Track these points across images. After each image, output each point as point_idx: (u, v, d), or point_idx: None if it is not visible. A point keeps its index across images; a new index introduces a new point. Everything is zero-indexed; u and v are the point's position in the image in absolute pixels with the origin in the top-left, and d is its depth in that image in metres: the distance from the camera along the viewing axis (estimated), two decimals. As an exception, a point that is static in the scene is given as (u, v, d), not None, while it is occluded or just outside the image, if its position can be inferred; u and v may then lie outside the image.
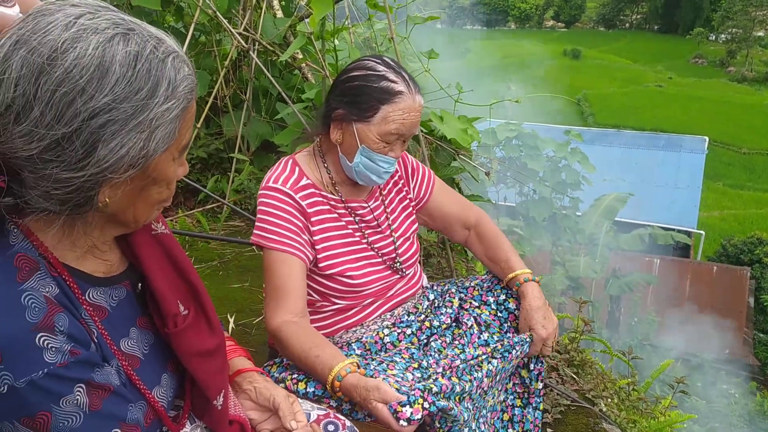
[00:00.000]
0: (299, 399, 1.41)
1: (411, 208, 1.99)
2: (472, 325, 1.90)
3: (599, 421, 2.26)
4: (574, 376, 2.51)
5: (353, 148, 1.72)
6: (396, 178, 1.98)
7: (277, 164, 1.82)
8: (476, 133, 3.85)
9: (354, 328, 1.84)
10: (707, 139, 23.95)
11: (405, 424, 1.41)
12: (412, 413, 1.41)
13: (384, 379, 1.61)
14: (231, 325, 2.65)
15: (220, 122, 4.21)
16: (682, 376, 2.82)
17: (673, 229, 16.28)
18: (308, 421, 1.33)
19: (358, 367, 1.55)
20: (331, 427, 1.33)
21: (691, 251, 19.21)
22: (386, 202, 1.93)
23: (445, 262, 3.48)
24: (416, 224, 2.00)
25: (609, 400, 2.45)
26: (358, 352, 1.78)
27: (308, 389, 1.59)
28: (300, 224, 1.72)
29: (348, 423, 1.36)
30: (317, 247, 1.75)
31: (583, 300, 2.68)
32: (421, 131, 3.67)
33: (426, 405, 1.44)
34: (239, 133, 3.84)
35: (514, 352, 1.75)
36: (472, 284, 2.02)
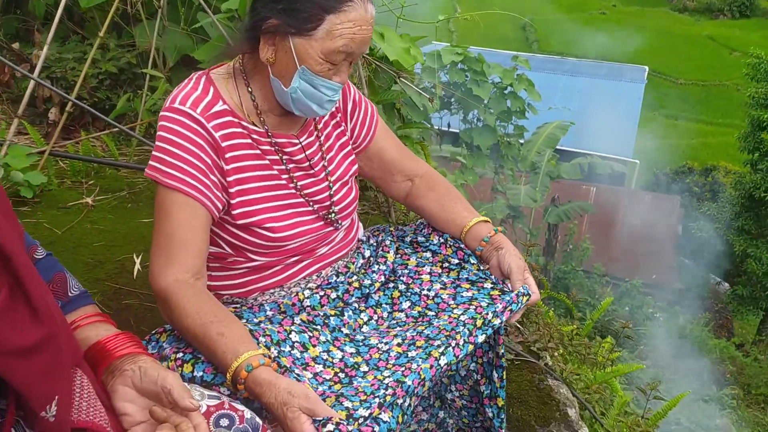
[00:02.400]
0: (193, 384, 1.13)
1: (350, 147, 1.67)
2: (416, 277, 1.64)
3: (544, 377, 2.08)
4: (519, 326, 2.31)
5: (289, 69, 1.38)
6: (333, 109, 1.64)
7: (187, 80, 1.45)
8: (419, 54, 3.52)
9: (272, 290, 1.54)
10: (647, 68, 24.10)
11: None
12: None
13: (299, 377, 1.33)
14: (137, 266, 2.32)
15: (133, 32, 3.73)
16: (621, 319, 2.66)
17: (611, 158, 16.47)
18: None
19: (273, 361, 1.26)
20: (224, 422, 1.06)
21: (626, 180, 19.58)
22: (322, 138, 1.59)
23: (382, 195, 3.20)
24: (356, 165, 1.68)
25: (555, 352, 2.27)
26: (270, 313, 1.49)
27: (195, 373, 1.29)
28: (208, 161, 1.38)
29: (248, 415, 1.09)
30: (231, 190, 1.42)
31: (531, 243, 2.45)
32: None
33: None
34: (153, 45, 3.39)
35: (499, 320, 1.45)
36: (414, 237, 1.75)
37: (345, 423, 1.18)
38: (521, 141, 10.14)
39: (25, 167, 2.80)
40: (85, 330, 1.05)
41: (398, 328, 1.53)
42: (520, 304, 1.48)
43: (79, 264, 2.39)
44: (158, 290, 1.34)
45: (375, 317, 1.57)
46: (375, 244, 1.75)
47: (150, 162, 1.38)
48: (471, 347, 1.41)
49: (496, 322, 1.45)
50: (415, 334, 1.49)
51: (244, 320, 1.45)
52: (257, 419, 1.10)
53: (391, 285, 1.64)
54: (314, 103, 1.42)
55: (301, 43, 1.35)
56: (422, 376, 1.33)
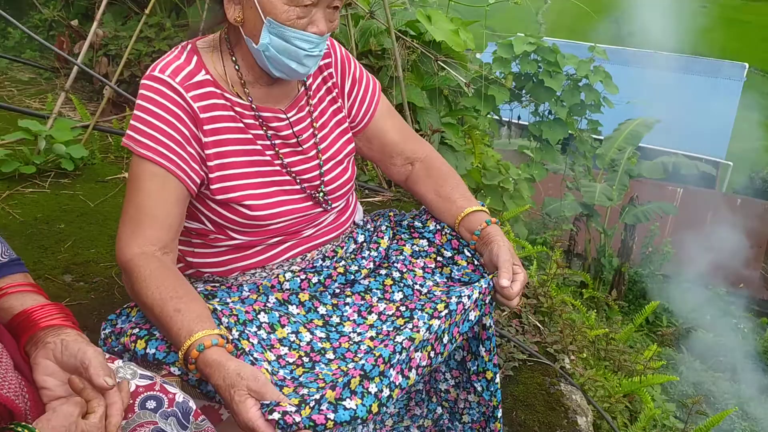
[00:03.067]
0: (129, 362, 1.10)
1: (346, 124, 1.60)
2: (409, 265, 1.55)
3: (557, 381, 1.95)
4: (539, 325, 2.18)
5: (257, 25, 1.31)
6: (330, 84, 1.56)
7: (171, 50, 1.41)
8: (470, 39, 3.39)
9: (253, 270, 1.49)
10: (747, 66, 22.71)
11: None
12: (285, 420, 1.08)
13: (256, 361, 1.28)
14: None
15: (188, 13, 3.78)
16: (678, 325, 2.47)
17: (700, 159, 15.63)
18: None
19: (228, 342, 1.21)
20: (151, 404, 1.01)
21: (717, 182, 18.58)
22: (315, 114, 1.52)
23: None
24: (352, 144, 1.60)
25: (575, 355, 2.13)
26: (246, 294, 1.44)
27: (148, 350, 1.25)
28: (186, 132, 1.33)
29: (179, 398, 1.04)
30: (209, 163, 1.37)
31: (557, 239, 2.30)
32: (404, 35, 3.22)
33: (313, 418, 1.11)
34: (202, 24, 3.41)
35: (472, 295, 1.37)
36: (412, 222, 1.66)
37: (293, 411, 1.11)
38: (598, 137, 9.74)
39: (69, 140, 2.88)
40: (12, 298, 1.03)
41: (377, 315, 1.45)
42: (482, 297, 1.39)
43: (104, 236, 2.44)
44: (122, 261, 1.31)
45: (362, 302, 1.49)
46: (371, 229, 1.67)
47: (127, 130, 1.35)
48: (435, 321, 1.32)
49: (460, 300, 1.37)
50: (391, 329, 1.41)
51: (217, 299, 1.41)
52: (190, 404, 1.06)
53: (383, 272, 1.56)
54: (291, 60, 1.33)
55: None
56: (376, 355, 1.24)
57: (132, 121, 1.34)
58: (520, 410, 1.85)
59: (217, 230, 1.44)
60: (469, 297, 1.37)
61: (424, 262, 1.57)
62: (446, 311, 1.34)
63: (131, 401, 1.00)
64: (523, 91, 7.51)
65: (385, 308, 1.47)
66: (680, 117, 17.95)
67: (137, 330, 1.29)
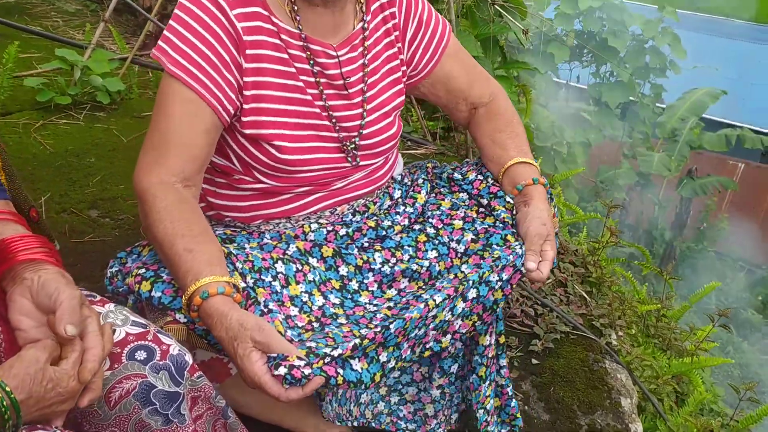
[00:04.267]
0: (122, 307, 0.98)
1: (400, 73, 1.42)
2: (446, 221, 1.40)
3: (601, 358, 1.79)
4: (585, 296, 2.01)
5: None
6: (390, 25, 1.39)
7: None
8: (533, -14, 3.15)
9: (278, 220, 1.36)
10: (826, 38, 21.40)
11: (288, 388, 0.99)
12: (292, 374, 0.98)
13: (271, 313, 1.15)
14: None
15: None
16: (726, 308, 2.28)
17: (766, 134, 14.88)
18: (115, 338, 0.90)
19: (238, 291, 1.09)
20: (141, 355, 0.90)
21: (783, 159, 17.73)
22: (368, 56, 1.35)
23: (461, 136, 2.93)
24: (402, 98, 1.44)
25: (623, 331, 1.96)
26: (267, 241, 1.31)
27: (154, 293, 1.13)
28: (225, 56, 1.19)
29: (174, 351, 0.93)
30: (246, 93, 1.22)
31: (613, 204, 2.11)
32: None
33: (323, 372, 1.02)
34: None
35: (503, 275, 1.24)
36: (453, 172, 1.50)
37: (302, 365, 0.99)
38: (661, 105, 9.29)
39: (106, 72, 2.79)
40: None
41: (397, 291, 1.32)
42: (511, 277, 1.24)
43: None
44: (139, 190, 1.18)
45: (393, 260, 1.35)
46: (409, 183, 1.52)
47: (159, 41, 1.20)
48: (461, 302, 1.19)
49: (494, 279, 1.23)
50: (411, 299, 1.27)
51: (234, 243, 1.29)
52: (186, 357, 0.94)
53: (417, 227, 1.41)
54: None
55: None
56: (407, 325, 1.12)
57: (166, 32, 1.20)
58: (559, 386, 1.70)
59: (244, 170, 1.30)
60: (500, 279, 1.23)
61: (465, 213, 1.41)
62: (474, 295, 1.22)
63: (119, 350, 0.89)
64: (585, 51, 7.16)
65: (406, 286, 1.32)
66: (749, 88, 17.08)
67: (143, 270, 1.17)
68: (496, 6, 2.87)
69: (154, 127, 1.20)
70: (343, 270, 1.31)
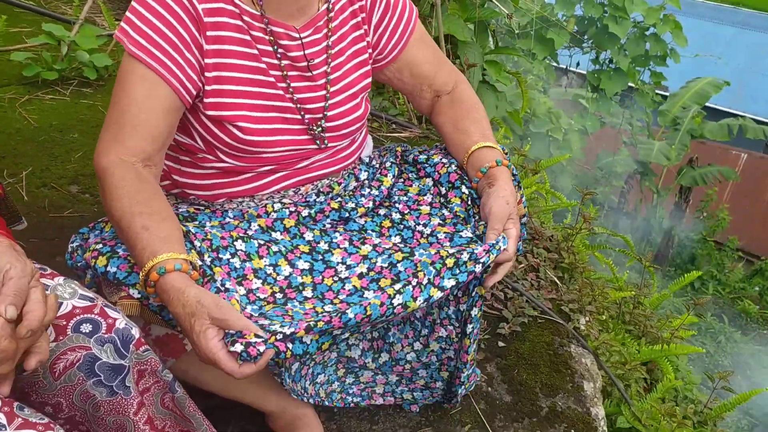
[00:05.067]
0: (71, 280, 1.00)
1: (366, 55, 1.43)
2: (413, 206, 1.42)
3: (567, 342, 1.82)
4: (557, 281, 2.03)
5: None
6: (356, 7, 1.39)
7: None
8: (523, -29, 3.14)
9: (241, 198, 1.38)
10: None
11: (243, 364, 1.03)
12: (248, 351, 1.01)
13: (227, 292, 1.17)
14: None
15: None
16: (701, 296, 2.29)
17: (769, 124, 14.80)
18: (60, 311, 0.93)
19: (195, 269, 1.11)
20: (86, 327, 0.92)
21: (786, 151, 17.64)
22: (333, 38, 1.36)
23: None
24: (368, 79, 1.45)
25: (595, 316, 1.98)
26: (229, 220, 1.33)
27: (109, 268, 1.15)
28: (186, 36, 1.20)
29: (120, 325, 0.95)
30: (207, 74, 1.24)
31: (587, 191, 2.13)
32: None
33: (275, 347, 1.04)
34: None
35: (477, 267, 1.22)
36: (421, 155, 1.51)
37: (258, 341, 1.02)
38: (662, 92, 9.25)
39: (93, 48, 2.79)
40: None
41: (372, 247, 1.33)
42: (488, 258, 1.23)
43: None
44: (99, 169, 1.19)
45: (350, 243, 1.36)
46: (376, 165, 1.53)
47: (121, 23, 1.22)
48: (436, 292, 1.19)
49: (474, 267, 1.22)
50: (386, 265, 1.29)
51: (196, 222, 1.31)
52: (132, 331, 0.96)
53: (382, 212, 1.43)
54: None
55: None
56: (368, 312, 1.13)
57: (128, 13, 1.21)
58: (522, 369, 1.73)
59: (207, 149, 1.32)
60: (483, 264, 1.23)
61: (432, 199, 1.43)
62: (453, 283, 1.20)
63: (64, 323, 0.92)
64: (585, 37, 7.12)
65: (380, 241, 1.34)
66: (753, 78, 16.96)
67: (101, 246, 1.19)
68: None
69: (114, 107, 1.22)
70: (308, 236, 1.33)
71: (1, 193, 1.31)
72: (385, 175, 1.48)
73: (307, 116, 1.34)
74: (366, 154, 1.56)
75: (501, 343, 1.79)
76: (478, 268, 1.22)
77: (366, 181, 1.49)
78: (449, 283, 1.20)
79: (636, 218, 11.98)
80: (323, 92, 1.36)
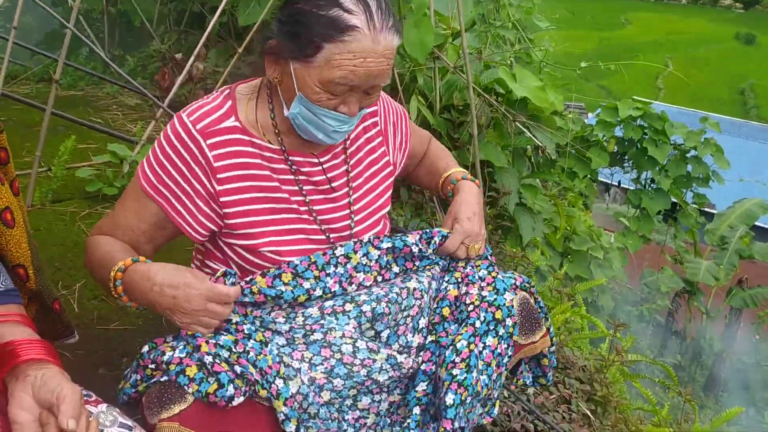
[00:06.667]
0: (113, 408, 1.07)
1: (389, 170, 1.57)
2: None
3: None
4: (590, 415, 2.00)
5: (291, 93, 1.31)
6: (373, 132, 1.54)
7: (214, 93, 1.43)
8: (559, 101, 3.29)
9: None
10: None
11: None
12: None
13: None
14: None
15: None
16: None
17: (822, 247, 14.41)
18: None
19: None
20: None
21: (841, 273, 17.04)
22: (351, 162, 1.49)
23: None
24: (389, 194, 1.57)
25: None
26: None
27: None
28: (196, 185, 1.34)
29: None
30: (226, 211, 1.35)
31: (619, 323, 2.13)
32: (490, 92, 3.16)
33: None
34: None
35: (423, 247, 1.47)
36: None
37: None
38: (711, 210, 9.19)
39: (152, 167, 2.99)
40: (2, 327, 1.04)
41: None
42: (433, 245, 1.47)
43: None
44: (86, 243, 1.40)
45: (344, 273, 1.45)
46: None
47: (143, 159, 1.38)
48: (373, 250, 1.41)
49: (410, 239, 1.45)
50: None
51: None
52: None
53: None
54: (319, 131, 1.33)
55: (300, 69, 1.27)
56: (312, 260, 1.36)
57: (149, 152, 1.38)
58: None
59: (243, 274, 1.41)
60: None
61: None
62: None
63: (102, 448, 0.98)
64: (626, 157, 7.22)
65: (364, 279, 1.42)
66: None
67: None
68: (517, 123, 3.00)
69: (117, 214, 1.40)
70: (306, 284, 1.39)
71: (58, 309, 1.42)
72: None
73: (332, 236, 1.44)
74: None
75: (530, 478, 1.76)
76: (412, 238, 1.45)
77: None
78: (386, 244, 1.42)
79: (685, 339, 11.60)
80: (347, 211, 1.47)
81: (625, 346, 2.19)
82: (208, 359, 1.20)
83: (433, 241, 1.47)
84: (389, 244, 1.42)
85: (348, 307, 1.37)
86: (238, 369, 1.21)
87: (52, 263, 2.35)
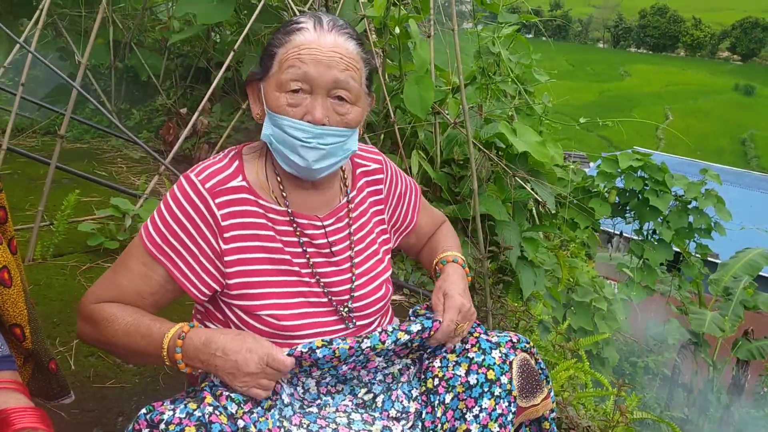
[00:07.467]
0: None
1: (388, 235, 1.58)
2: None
3: None
4: None
5: (264, 117, 1.38)
6: (375, 199, 1.55)
7: (221, 153, 1.45)
8: (559, 155, 3.32)
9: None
10: None
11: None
12: None
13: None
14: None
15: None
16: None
17: (828, 297, 14.29)
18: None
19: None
20: None
21: None
22: (354, 226, 1.49)
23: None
24: (389, 257, 1.57)
25: None
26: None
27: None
28: (203, 244, 1.33)
29: None
30: (228, 270, 1.35)
31: (623, 383, 2.10)
32: (490, 147, 3.20)
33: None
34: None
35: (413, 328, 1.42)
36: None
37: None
38: (711, 259, 9.17)
39: (154, 220, 3.00)
40: None
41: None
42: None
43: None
44: (86, 313, 1.35)
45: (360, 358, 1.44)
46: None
47: (147, 220, 1.37)
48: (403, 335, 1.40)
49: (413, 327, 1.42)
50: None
51: None
52: None
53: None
54: (288, 150, 1.33)
55: (265, 85, 1.35)
56: (336, 354, 1.33)
57: (154, 213, 1.37)
58: None
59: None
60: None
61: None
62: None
63: None
64: (627, 208, 7.25)
65: (379, 362, 1.46)
66: (808, 249, 16.64)
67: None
68: (517, 178, 3.02)
69: (114, 275, 1.36)
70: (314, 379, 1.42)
71: (54, 369, 1.40)
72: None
73: (334, 299, 1.43)
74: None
75: None
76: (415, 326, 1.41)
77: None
78: (403, 336, 1.39)
79: (692, 391, 11.41)
80: (349, 275, 1.46)
81: (630, 405, 2.15)
82: (208, 410, 1.18)
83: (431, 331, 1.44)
84: (406, 337, 1.41)
85: (339, 387, 1.43)
86: (241, 423, 1.19)
87: (51, 318, 2.34)
